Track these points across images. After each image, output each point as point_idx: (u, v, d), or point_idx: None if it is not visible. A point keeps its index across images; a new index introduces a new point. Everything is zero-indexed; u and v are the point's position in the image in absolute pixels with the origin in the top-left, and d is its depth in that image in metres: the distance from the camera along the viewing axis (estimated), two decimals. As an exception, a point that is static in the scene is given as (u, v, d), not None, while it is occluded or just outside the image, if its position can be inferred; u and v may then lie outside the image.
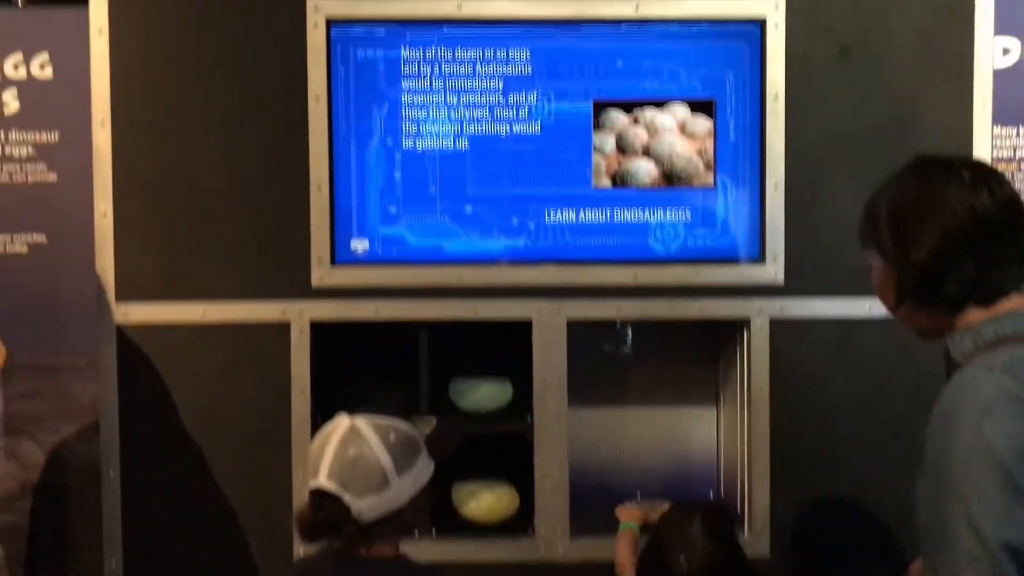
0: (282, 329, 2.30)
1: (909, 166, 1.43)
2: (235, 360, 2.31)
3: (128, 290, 2.30)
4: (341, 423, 1.65)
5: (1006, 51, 3.07)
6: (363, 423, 1.64)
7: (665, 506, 2.21)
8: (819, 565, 2.37)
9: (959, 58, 2.33)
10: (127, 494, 2.31)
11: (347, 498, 1.57)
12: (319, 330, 2.33)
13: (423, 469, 1.67)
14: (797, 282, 2.34)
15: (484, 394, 2.49)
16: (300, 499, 1.67)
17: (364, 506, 1.58)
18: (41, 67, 2.70)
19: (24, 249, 2.77)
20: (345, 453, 1.59)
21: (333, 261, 2.32)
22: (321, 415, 2.35)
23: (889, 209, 1.39)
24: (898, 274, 1.37)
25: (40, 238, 2.79)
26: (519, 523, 2.43)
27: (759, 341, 2.35)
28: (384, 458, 1.60)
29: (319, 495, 1.60)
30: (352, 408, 2.44)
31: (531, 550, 2.36)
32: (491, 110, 2.33)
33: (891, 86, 2.33)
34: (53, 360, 2.79)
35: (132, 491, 2.31)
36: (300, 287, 2.30)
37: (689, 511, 2.06)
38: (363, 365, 2.54)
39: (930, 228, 1.33)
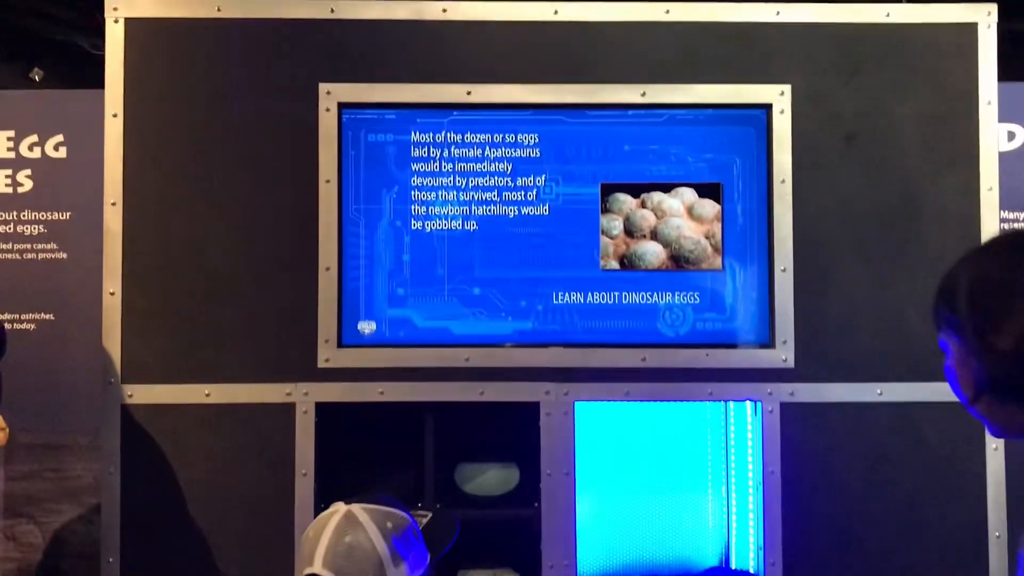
0: (287, 411, 2.29)
1: (995, 240, 1.27)
2: (239, 442, 2.28)
3: (134, 370, 2.29)
4: (338, 509, 1.63)
5: (1011, 135, 3.10)
6: (360, 510, 1.62)
7: None
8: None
9: (965, 143, 2.35)
10: (126, 579, 2.27)
11: None
12: (325, 412, 2.31)
13: (419, 560, 1.65)
14: (808, 366, 2.32)
15: (490, 479, 2.46)
16: (299, 588, 1.63)
17: None
18: (56, 148, 2.74)
19: (31, 327, 2.77)
20: (341, 540, 1.58)
21: (340, 342, 2.31)
22: (324, 500, 2.32)
23: (971, 288, 1.23)
24: (978, 363, 1.22)
25: (48, 316, 2.79)
26: (525, 612, 2.37)
27: (771, 426, 2.32)
28: (380, 546, 1.58)
29: None
30: (356, 492, 2.41)
31: (538, 641, 2.30)
32: (499, 193, 2.35)
33: (898, 171, 2.34)
34: (56, 439, 2.77)
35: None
36: (306, 368, 2.29)
37: None
38: (368, 448, 2.51)
39: (1018, 313, 1.17)
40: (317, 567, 1.56)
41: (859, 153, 2.34)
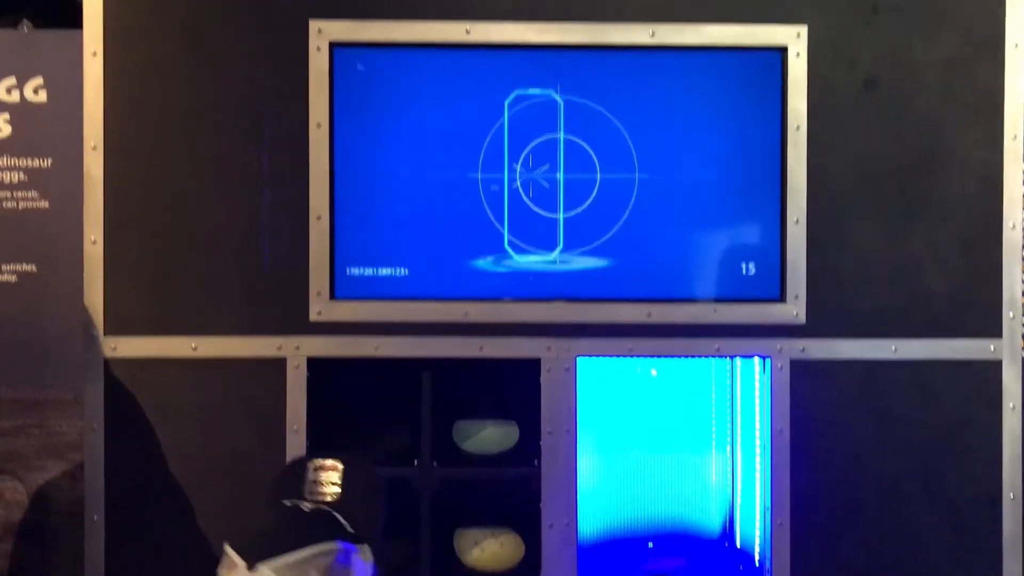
0: (277, 365, 2.20)
1: None
2: (227, 398, 2.20)
3: (117, 323, 2.19)
4: None
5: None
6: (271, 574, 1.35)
7: None
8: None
9: (988, 90, 2.24)
10: (111, 537, 2.19)
11: None
12: (317, 367, 2.22)
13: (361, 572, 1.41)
14: (819, 322, 2.23)
15: (489, 436, 2.38)
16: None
17: None
18: (35, 91, 2.62)
19: (13, 278, 2.67)
20: None
21: (332, 295, 2.21)
22: (316, 457, 2.23)
23: None
24: None
25: (30, 268, 2.69)
26: (525, 572, 2.30)
27: (780, 384, 2.23)
28: None
29: None
30: (348, 449, 2.33)
31: (537, 602, 2.23)
32: (500, 139, 2.24)
33: (918, 118, 2.24)
34: (39, 395, 2.68)
35: (116, 534, 2.19)
36: (297, 322, 2.20)
37: None
38: (363, 404, 2.43)
39: None
40: None
41: (878, 100, 2.23)
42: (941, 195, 2.24)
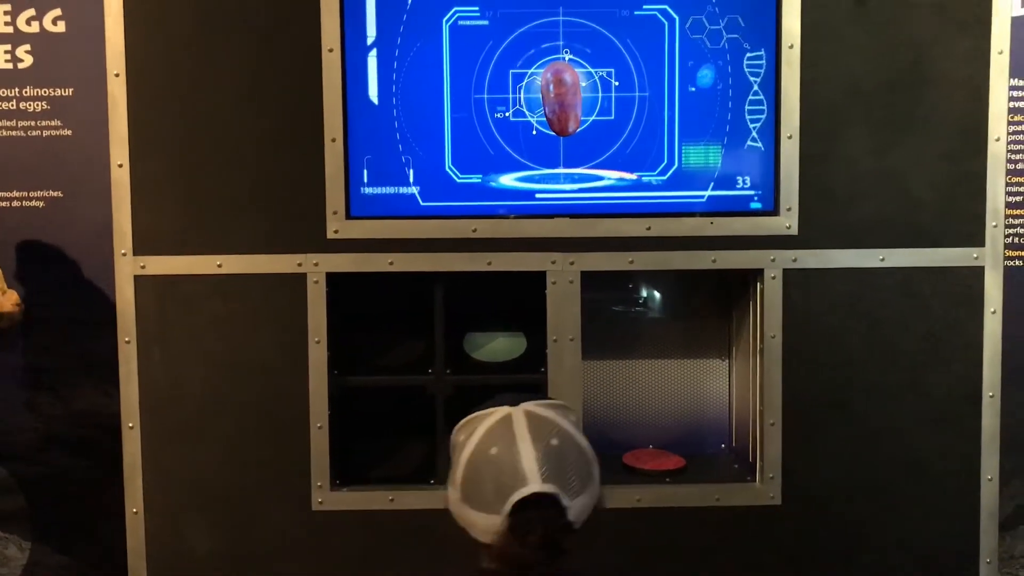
0: (298, 281, 2.32)
1: None
2: (251, 312, 2.33)
3: (145, 243, 2.31)
4: (509, 413, 1.24)
5: (1024, 1, 3.04)
6: (538, 407, 1.25)
7: None
8: (831, 515, 2.40)
9: (977, 5, 2.31)
10: (146, 444, 2.34)
11: (565, 500, 1.18)
12: (335, 282, 2.35)
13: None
14: (811, 233, 2.34)
15: (498, 347, 2.51)
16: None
17: (579, 507, 1.21)
18: (54, 22, 2.70)
19: (41, 204, 2.78)
20: (547, 444, 1.20)
21: (348, 214, 2.33)
22: (337, 366, 2.38)
23: None
24: None
25: (56, 193, 2.79)
26: (533, 473, 2.45)
27: (772, 292, 2.35)
28: (583, 442, 1.25)
29: (534, 504, 1.17)
30: (368, 360, 2.47)
31: (545, 499, 2.38)
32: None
33: (907, 35, 2.31)
34: (71, 313, 2.81)
35: (151, 441, 2.34)
36: (316, 239, 2.32)
37: None
38: (380, 318, 2.55)
39: None
40: (536, 484, 1.17)
41: (869, 17, 2.30)
42: (929, 110, 2.33)
